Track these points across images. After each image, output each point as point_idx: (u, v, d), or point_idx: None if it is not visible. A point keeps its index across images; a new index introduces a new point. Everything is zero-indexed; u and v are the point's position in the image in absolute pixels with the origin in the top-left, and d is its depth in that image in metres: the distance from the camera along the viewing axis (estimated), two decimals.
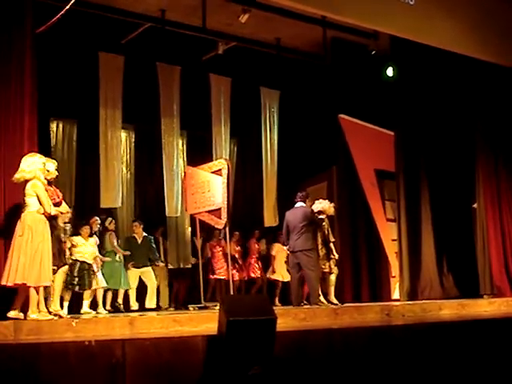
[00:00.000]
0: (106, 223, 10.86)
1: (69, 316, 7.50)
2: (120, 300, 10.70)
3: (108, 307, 10.50)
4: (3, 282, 6.89)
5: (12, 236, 7.17)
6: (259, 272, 12.63)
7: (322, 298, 9.56)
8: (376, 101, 12.04)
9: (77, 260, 9.79)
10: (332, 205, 10.19)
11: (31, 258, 6.83)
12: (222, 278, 12.00)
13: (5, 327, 6.18)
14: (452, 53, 10.58)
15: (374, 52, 11.47)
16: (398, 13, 9.83)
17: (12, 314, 7.06)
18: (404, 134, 11.51)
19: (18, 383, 4.94)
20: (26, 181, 7.05)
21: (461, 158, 11.31)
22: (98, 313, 9.89)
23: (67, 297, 9.74)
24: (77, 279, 9.73)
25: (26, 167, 7.05)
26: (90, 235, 10.04)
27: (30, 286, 6.87)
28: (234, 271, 12.05)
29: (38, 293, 7.00)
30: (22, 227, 6.92)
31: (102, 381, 5.24)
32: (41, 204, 7.00)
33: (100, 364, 5.26)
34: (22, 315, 6.99)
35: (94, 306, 10.16)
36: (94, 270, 9.93)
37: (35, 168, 7.07)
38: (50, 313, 7.25)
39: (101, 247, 10.52)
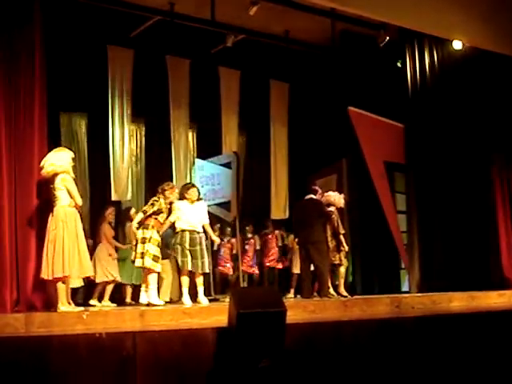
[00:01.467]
0: (131, 213, 10.71)
1: (83, 308, 7.53)
2: (128, 297, 10.63)
3: (128, 300, 10.46)
4: (44, 276, 6.97)
5: (27, 228, 7.26)
6: (273, 263, 12.61)
7: (331, 291, 9.56)
8: (386, 93, 12.01)
9: None
10: (342, 196, 10.17)
11: (69, 251, 6.91)
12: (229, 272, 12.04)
13: (16, 320, 6.22)
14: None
15: (383, 44, 11.41)
16: (406, 4, 9.79)
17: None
18: (414, 126, 11.48)
19: (29, 376, 4.98)
20: (55, 175, 7.11)
21: (473, 151, 11.25)
22: (102, 306, 9.87)
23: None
24: None
25: (57, 161, 7.15)
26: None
27: (69, 278, 6.98)
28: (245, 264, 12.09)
29: (66, 285, 7.11)
30: (55, 221, 7.02)
31: (112, 373, 5.27)
32: (71, 197, 7.08)
33: (110, 356, 5.29)
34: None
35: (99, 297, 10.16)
36: None
37: (65, 162, 7.17)
38: (78, 305, 7.34)
39: (122, 238, 10.50)
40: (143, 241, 8.51)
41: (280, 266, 12.67)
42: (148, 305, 8.43)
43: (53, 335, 5.68)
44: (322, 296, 9.32)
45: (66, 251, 6.92)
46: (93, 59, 11.40)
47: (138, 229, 8.67)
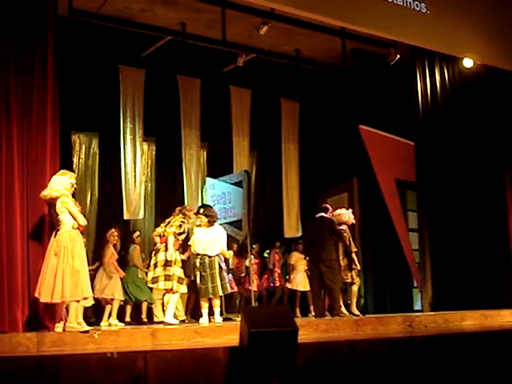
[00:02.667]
0: (134, 236, 10.87)
1: (91, 328, 7.52)
2: (144, 314, 10.66)
3: (127, 319, 10.50)
4: (40, 298, 6.97)
5: (39, 248, 7.28)
6: (280, 282, 12.61)
7: (343, 309, 9.52)
8: (396, 111, 12.02)
9: None
10: (350, 211, 10.11)
11: (71, 276, 6.90)
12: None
13: (27, 339, 6.23)
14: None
15: (393, 62, 11.43)
16: (416, 22, 9.81)
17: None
18: (425, 144, 11.46)
19: None
20: (54, 199, 7.14)
21: (484, 168, 11.21)
22: (109, 324, 9.86)
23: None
24: None
25: (54, 185, 7.16)
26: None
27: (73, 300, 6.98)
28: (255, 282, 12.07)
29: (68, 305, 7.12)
30: (57, 246, 6.99)
31: None
32: (74, 219, 7.09)
33: (122, 376, 5.28)
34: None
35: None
36: None
37: (63, 187, 7.17)
38: (89, 324, 7.35)
39: (124, 260, 10.56)
40: (168, 264, 8.57)
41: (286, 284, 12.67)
42: (162, 323, 8.46)
43: (64, 354, 5.69)
44: (334, 315, 9.28)
45: (68, 276, 6.90)
46: (104, 79, 11.47)
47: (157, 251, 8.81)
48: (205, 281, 8.79)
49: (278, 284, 12.63)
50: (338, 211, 10.03)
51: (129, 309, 10.58)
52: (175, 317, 9.11)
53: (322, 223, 9.69)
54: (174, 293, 8.66)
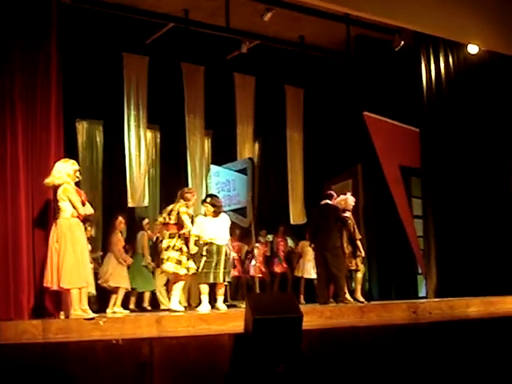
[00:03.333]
0: (144, 223, 10.87)
1: (97, 315, 7.56)
2: (147, 302, 10.69)
3: (132, 306, 10.53)
4: (48, 285, 7.02)
5: (44, 236, 7.31)
6: (284, 268, 12.65)
7: (348, 296, 9.53)
8: (401, 97, 11.98)
9: None
10: (348, 196, 10.04)
11: (73, 263, 6.95)
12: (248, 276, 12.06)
13: (33, 326, 6.25)
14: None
15: (398, 48, 11.39)
16: (421, 8, 9.78)
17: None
18: (429, 130, 11.42)
19: (46, 382, 4.99)
20: (56, 186, 7.16)
21: (490, 154, 11.19)
22: (114, 312, 9.87)
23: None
24: None
25: (57, 173, 7.18)
26: None
27: (74, 288, 7.01)
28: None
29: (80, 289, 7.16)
30: (57, 233, 7.05)
31: (129, 379, 5.28)
32: (74, 207, 7.11)
33: (128, 363, 5.31)
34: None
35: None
36: None
37: (65, 174, 7.19)
38: (94, 312, 7.39)
39: (130, 246, 10.58)
40: (166, 248, 8.61)
41: (288, 271, 12.70)
42: (168, 310, 8.47)
43: (70, 341, 5.70)
44: (339, 302, 9.28)
45: (71, 263, 6.95)
46: (108, 66, 11.45)
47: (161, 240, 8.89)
48: (208, 267, 8.78)
49: (278, 270, 12.65)
50: (338, 198, 10.00)
51: (133, 297, 10.61)
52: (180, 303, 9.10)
53: (327, 210, 9.68)
54: (176, 279, 8.65)
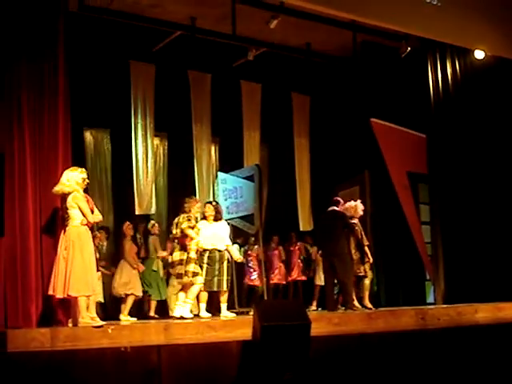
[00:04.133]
0: (149, 226, 10.88)
1: (105, 323, 7.57)
2: (153, 310, 10.68)
3: (152, 313, 10.52)
4: (54, 293, 7.04)
5: (52, 244, 7.33)
6: (296, 275, 12.65)
7: (356, 303, 9.51)
8: (408, 103, 11.98)
9: None
10: (358, 203, 10.02)
11: (80, 271, 6.96)
12: (256, 283, 12.05)
13: (41, 334, 6.26)
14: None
15: (404, 55, 11.39)
16: (427, 14, 9.79)
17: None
18: (436, 136, 11.41)
19: None
20: (66, 194, 7.19)
21: (497, 159, 11.17)
22: (122, 319, 9.87)
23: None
24: None
25: (66, 181, 7.22)
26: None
27: (82, 296, 7.04)
28: (272, 276, 12.16)
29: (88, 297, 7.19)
30: (66, 241, 7.08)
31: None
32: (83, 215, 7.14)
33: (136, 370, 5.32)
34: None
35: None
36: None
37: (74, 182, 7.23)
38: (103, 320, 7.41)
39: (144, 252, 10.59)
40: (181, 262, 8.68)
41: (304, 278, 12.67)
42: (180, 318, 8.48)
43: (78, 349, 5.72)
44: (347, 308, 9.28)
45: (79, 271, 6.98)
46: (115, 74, 11.49)
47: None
48: (210, 274, 8.80)
49: (292, 277, 12.65)
50: (346, 204, 10.00)
51: (153, 304, 10.58)
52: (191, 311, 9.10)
53: (334, 217, 9.67)
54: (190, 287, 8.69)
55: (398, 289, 12.42)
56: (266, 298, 11.06)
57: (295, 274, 12.64)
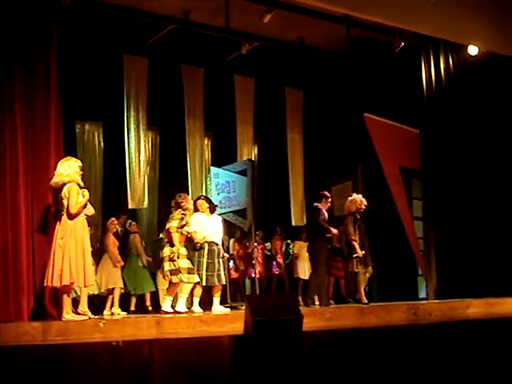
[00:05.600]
0: (127, 225, 10.90)
1: (96, 317, 7.56)
2: (148, 302, 10.67)
3: (133, 308, 10.51)
4: (49, 284, 7.01)
5: (44, 238, 7.31)
6: (280, 270, 12.74)
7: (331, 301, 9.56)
8: (401, 99, 11.98)
9: None
10: (359, 196, 9.97)
11: (76, 259, 6.96)
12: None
13: (33, 328, 6.25)
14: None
15: (398, 50, 11.39)
16: (420, 9, 9.80)
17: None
18: (430, 131, 11.43)
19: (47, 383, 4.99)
20: (63, 184, 7.15)
21: (490, 155, 11.18)
22: (112, 313, 9.82)
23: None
24: None
25: (64, 170, 7.18)
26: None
27: (71, 287, 7.03)
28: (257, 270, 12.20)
29: (68, 295, 7.14)
30: (63, 230, 7.05)
31: (130, 381, 5.28)
32: (67, 205, 7.09)
33: (128, 364, 5.30)
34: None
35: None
36: None
37: (73, 171, 7.19)
38: (78, 313, 7.36)
39: (126, 248, 10.57)
40: (172, 258, 8.55)
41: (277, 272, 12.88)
42: (174, 312, 8.45)
43: (70, 343, 5.71)
44: (322, 305, 9.31)
45: (74, 259, 6.98)
46: (108, 68, 11.44)
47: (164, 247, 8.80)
48: (211, 269, 8.75)
49: (277, 271, 12.74)
50: (350, 198, 9.92)
51: (133, 298, 10.59)
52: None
53: (312, 213, 9.73)
54: (185, 283, 8.60)
55: (391, 284, 12.44)
56: (252, 292, 11.08)
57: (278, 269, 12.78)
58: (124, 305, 10.26)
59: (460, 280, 10.78)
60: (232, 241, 12.50)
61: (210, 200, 9.37)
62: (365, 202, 9.86)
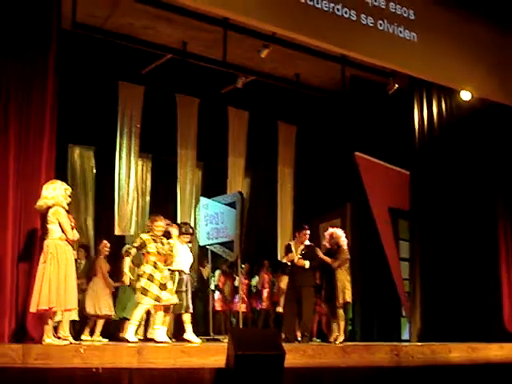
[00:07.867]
0: (122, 250, 10.78)
1: (77, 342, 7.49)
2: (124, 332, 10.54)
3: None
4: (32, 309, 6.95)
5: (30, 261, 7.27)
6: (267, 304, 12.68)
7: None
8: (392, 140, 12.07)
9: None
10: (334, 230, 9.83)
11: (56, 284, 6.89)
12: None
13: (13, 350, 6.18)
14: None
15: (392, 92, 11.51)
16: (415, 53, 9.88)
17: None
18: (419, 173, 11.49)
19: None
20: (48, 208, 7.10)
21: (478, 201, 11.26)
22: (93, 340, 9.68)
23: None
24: None
25: (48, 194, 7.11)
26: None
27: (54, 311, 6.97)
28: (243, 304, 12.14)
29: (52, 319, 7.07)
30: (45, 254, 6.99)
31: None
32: (63, 231, 7.06)
33: None
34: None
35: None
36: None
37: (57, 194, 7.13)
38: (59, 338, 7.29)
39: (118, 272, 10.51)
40: (137, 278, 8.42)
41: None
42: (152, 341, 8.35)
43: (49, 368, 5.65)
44: (304, 341, 9.22)
45: (54, 284, 6.88)
46: (104, 94, 11.51)
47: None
48: (180, 297, 8.73)
49: (265, 306, 12.68)
50: (327, 233, 9.89)
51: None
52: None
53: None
54: (155, 309, 8.39)
55: (374, 324, 12.41)
56: (236, 325, 11.03)
57: (265, 304, 12.71)
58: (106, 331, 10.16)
59: (443, 323, 10.77)
60: (218, 272, 12.48)
61: (189, 230, 9.30)
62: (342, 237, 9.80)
